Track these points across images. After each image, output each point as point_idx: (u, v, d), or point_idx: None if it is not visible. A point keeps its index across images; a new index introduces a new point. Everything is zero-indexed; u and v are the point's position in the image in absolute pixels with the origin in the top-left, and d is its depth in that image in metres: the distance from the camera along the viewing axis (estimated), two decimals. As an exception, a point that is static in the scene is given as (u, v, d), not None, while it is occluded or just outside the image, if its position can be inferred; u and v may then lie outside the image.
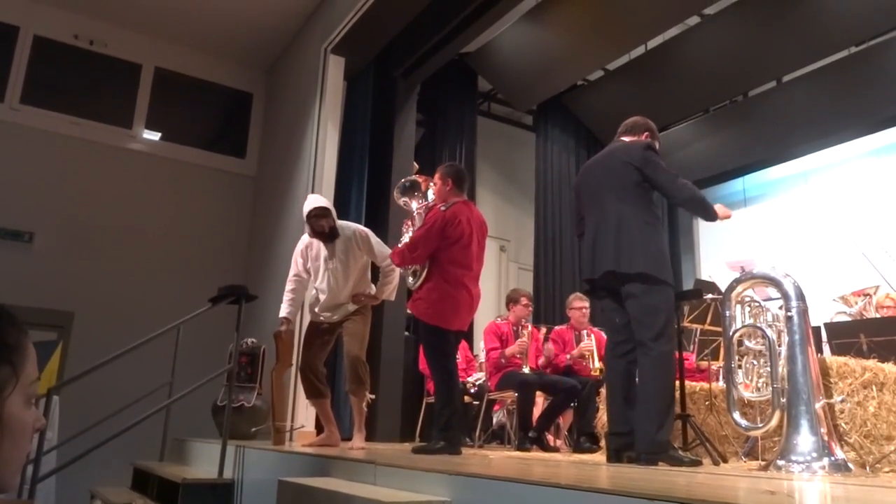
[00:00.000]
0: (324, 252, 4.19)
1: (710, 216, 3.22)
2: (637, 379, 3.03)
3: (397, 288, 4.28)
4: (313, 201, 4.13)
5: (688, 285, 7.23)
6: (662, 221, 3.43)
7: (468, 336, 7.43)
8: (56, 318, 6.61)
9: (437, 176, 3.82)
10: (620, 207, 3.13)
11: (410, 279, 3.67)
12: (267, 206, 7.51)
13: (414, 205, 3.89)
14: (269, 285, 6.53)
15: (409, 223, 3.90)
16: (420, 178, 3.94)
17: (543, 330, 5.98)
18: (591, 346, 5.47)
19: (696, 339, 5.07)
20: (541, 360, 5.53)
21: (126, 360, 3.82)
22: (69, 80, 7.50)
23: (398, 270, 4.13)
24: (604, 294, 3.24)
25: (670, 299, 3.07)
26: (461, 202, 3.69)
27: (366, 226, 4.40)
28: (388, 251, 4.01)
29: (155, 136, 7.80)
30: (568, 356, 5.48)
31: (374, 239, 4.18)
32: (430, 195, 3.91)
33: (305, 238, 4.28)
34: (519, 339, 5.36)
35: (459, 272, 3.58)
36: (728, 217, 3.32)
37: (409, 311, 3.66)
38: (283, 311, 4.22)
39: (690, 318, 4.72)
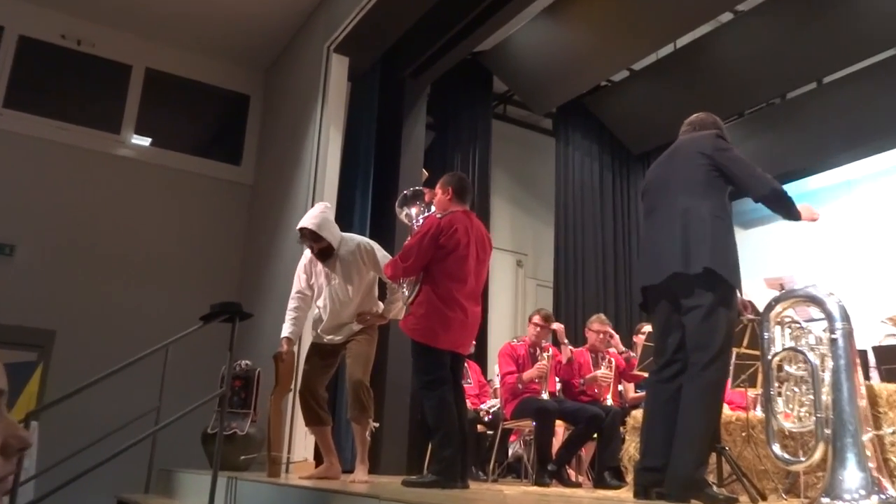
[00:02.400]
0: (324, 269, 4.21)
1: (794, 215, 3.12)
2: (681, 405, 2.93)
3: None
4: (306, 217, 4.17)
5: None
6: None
7: (481, 359, 7.43)
8: (36, 336, 6.64)
9: (437, 185, 3.83)
10: (688, 201, 3.05)
11: (405, 292, 3.66)
12: (264, 216, 7.54)
13: (413, 211, 3.88)
14: (266, 302, 6.54)
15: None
16: (424, 190, 3.95)
17: (567, 349, 5.97)
18: (609, 377, 5.43)
19: (732, 364, 5.02)
20: (562, 357, 5.48)
21: (110, 382, 3.82)
22: (55, 82, 7.59)
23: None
24: (661, 307, 3.11)
25: (733, 317, 2.99)
26: (461, 211, 3.70)
27: (371, 238, 4.41)
28: None
29: (145, 141, 7.86)
30: (581, 380, 5.45)
31: (381, 252, 4.19)
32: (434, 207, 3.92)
33: (307, 254, 4.30)
34: (537, 363, 5.32)
35: (453, 286, 3.55)
36: (815, 219, 3.22)
37: (402, 329, 3.64)
38: (285, 330, 4.23)
39: (725, 340, 4.67)
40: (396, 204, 3.95)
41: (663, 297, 3.08)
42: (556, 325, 5.58)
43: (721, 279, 2.93)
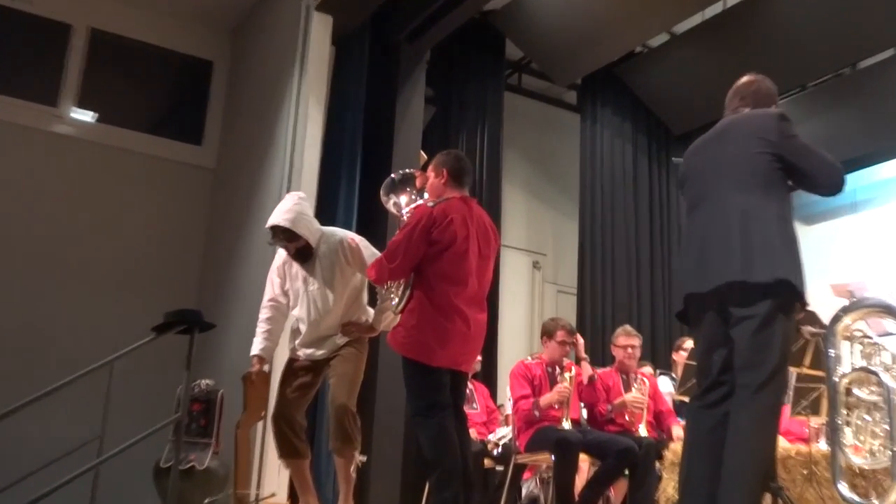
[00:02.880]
0: (300, 271, 4.22)
1: None
2: (728, 435, 2.92)
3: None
4: (276, 212, 4.17)
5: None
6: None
7: (490, 380, 7.42)
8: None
9: (430, 167, 3.81)
10: (747, 199, 3.03)
11: (394, 299, 3.64)
12: (230, 207, 7.54)
13: (402, 199, 3.85)
14: (232, 311, 6.54)
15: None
16: (416, 173, 3.94)
17: (586, 368, 5.98)
18: (641, 402, 5.41)
19: (791, 387, 5.00)
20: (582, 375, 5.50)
21: (42, 408, 3.81)
22: (-20, 45, 7.58)
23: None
24: (707, 319, 3.10)
25: (791, 332, 2.98)
26: (457, 198, 3.68)
27: (358, 232, 4.40)
28: None
29: (88, 116, 7.85)
30: (609, 406, 5.45)
31: (369, 251, 4.20)
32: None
33: (282, 254, 4.31)
34: (558, 385, 5.32)
35: (450, 290, 3.52)
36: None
37: (389, 343, 3.64)
38: (256, 346, 4.23)
39: (783, 358, 4.66)
40: (381, 191, 3.90)
41: (710, 307, 3.06)
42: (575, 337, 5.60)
43: (785, 287, 2.92)
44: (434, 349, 3.46)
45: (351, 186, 6.50)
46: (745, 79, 3.39)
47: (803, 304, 2.99)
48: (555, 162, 9.64)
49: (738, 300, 2.96)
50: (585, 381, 5.52)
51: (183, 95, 8.64)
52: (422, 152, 6.78)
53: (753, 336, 2.91)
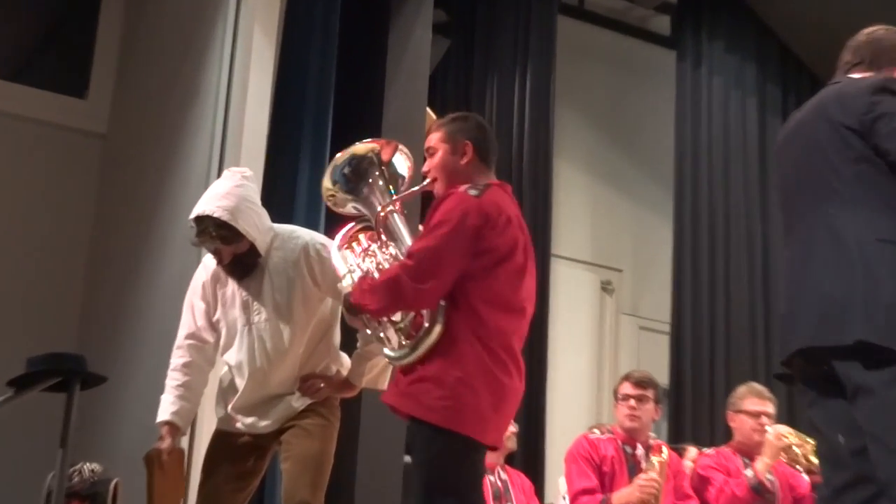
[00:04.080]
0: (241, 292, 4.22)
1: None
2: None
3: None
4: (208, 197, 4.17)
5: None
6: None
7: (533, 465, 7.43)
8: None
9: (436, 137, 3.83)
10: (833, 217, 3.14)
11: (393, 343, 3.58)
12: (130, 191, 7.54)
13: (372, 200, 3.88)
14: (130, 354, 6.54)
15: (362, 250, 3.85)
16: (379, 144, 3.96)
17: (690, 453, 5.94)
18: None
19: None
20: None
21: None
22: None
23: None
24: (815, 386, 3.20)
25: None
26: (496, 185, 3.75)
27: (329, 232, 4.38)
28: None
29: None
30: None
31: (346, 262, 4.18)
32: (403, 174, 3.99)
33: (210, 263, 4.31)
34: (640, 476, 5.32)
35: (507, 325, 3.59)
36: None
37: (392, 406, 3.58)
38: (166, 409, 4.23)
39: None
40: (327, 178, 3.97)
41: (813, 371, 3.19)
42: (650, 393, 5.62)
43: None
44: (489, 418, 3.50)
45: (317, 161, 6.48)
46: (869, 29, 3.47)
47: None
48: (636, 126, 9.70)
49: (843, 364, 3.06)
50: (687, 469, 5.53)
51: (59, 27, 8.65)
52: (429, 110, 6.82)
53: (876, 411, 3.00)
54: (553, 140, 8.49)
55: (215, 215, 4.06)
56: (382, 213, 3.84)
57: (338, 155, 4.01)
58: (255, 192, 4.37)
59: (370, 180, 3.91)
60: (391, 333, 3.62)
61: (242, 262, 4.17)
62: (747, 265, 8.99)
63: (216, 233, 4.09)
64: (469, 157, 3.75)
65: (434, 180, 3.78)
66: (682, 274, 8.95)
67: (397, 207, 3.86)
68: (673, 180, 9.23)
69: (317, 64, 6.74)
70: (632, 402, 5.55)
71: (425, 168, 3.82)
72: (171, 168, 6.94)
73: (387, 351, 3.60)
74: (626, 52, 9.84)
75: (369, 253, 3.81)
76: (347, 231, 3.92)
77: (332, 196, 4.03)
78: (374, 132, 6.45)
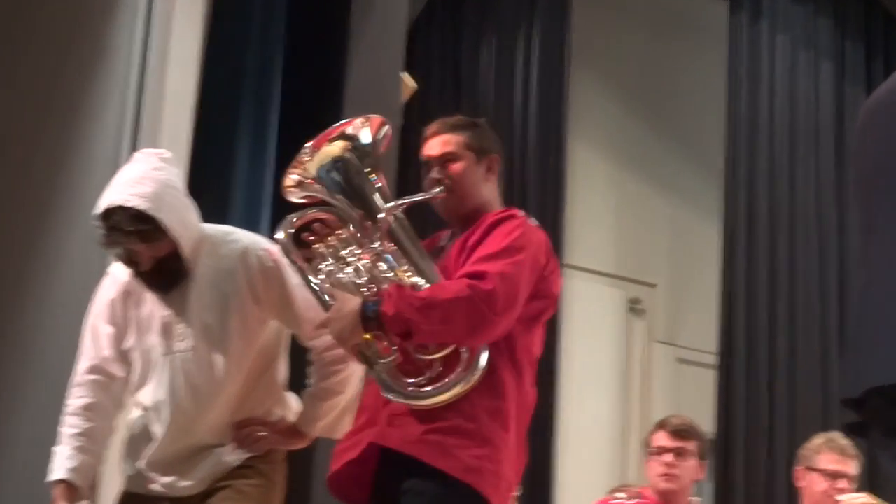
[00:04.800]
0: (160, 312, 4.22)
1: None
2: None
3: (356, 399, 4.25)
4: (120, 183, 4.14)
5: None
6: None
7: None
8: None
9: (458, 142, 3.94)
10: None
11: (412, 378, 3.65)
12: (10, 180, 7.53)
13: (371, 198, 3.91)
14: (10, 394, 6.54)
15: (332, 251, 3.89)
16: (373, 126, 4.00)
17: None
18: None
19: None
20: None
21: None
22: None
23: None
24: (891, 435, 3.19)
25: None
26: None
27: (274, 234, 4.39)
28: None
29: None
30: None
31: (294, 275, 4.15)
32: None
33: (120, 274, 4.29)
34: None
35: (530, 379, 3.86)
36: None
37: (404, 453, 3.61)
38: (61, 466, 4.18)
39: None
40: (309, 168, 3.96)
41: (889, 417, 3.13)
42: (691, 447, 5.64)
43: None
44: (511, 482, 3.77)
45: (261, 142, 6.52)
46: None
47: None
48: (675, 99, 9.76)
49: None
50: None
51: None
52: (406, 77, 6.84)
53: None
54: (568, 117, 8.54)
55: (130, 205, 4.00)
56: (387, 216, 3.87)
57: (332, 145, 4.01)
58: (178, 178, 4.35)
59: (366, 170, 3.95)
60: (424, 365, 3.70)
61: (165, 269, 4.09)
62: (818, 280, 9.01)
63: (132, 228, 4.03)
64: (496, 175, 3.96)
65: (451, 192, 3.90)
66: (734, 291, 8.98)
67: (400, 213, 3.94)
68: (724, 170, 9.25)
69: (260, 14, 6.78)
70: (668, 456, 5.54)
71: (437, 175, 3.92)
72: (69, 150, 6.94)
73: (391, 384, 3.63)
74: (663, 2, 9.90)
75: (347, 261, 3.86)
76: (307, 217, 3.97)
77: (300, 188, 4.04)
78: (334, 103, 6.49)
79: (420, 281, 3.74)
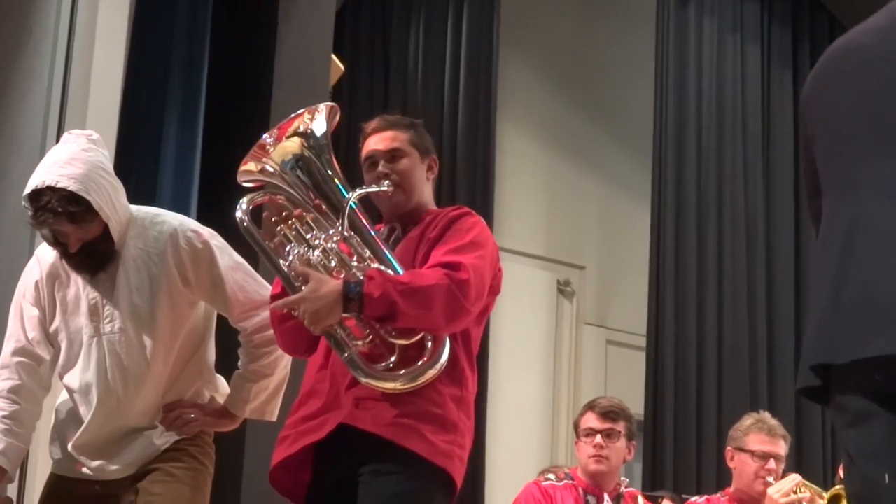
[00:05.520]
0: (88, 293, 4.18)
1: None
2: None
3: (285, 381, 4.29)
4: (48, 163, 4.08)
5: None
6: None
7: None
8: None
9: (404, 139, 3.97)
10: None
11: (386, 362, 3.65)
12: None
13: (328, 186, 3.87)
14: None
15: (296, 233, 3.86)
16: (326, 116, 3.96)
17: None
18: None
19: None
20: None
21: None
22: None
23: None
24: (872, 410, 3.17)
25: None
26: None
27: (204, 217, 4.31)
28: (267, 294, 4.03)
29: None
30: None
31: (224, 256, 4.18)
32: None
33: (46, 255, 4.25)
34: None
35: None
36: None
37: (374, 434, 3.62)
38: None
39: None
40: (271, 160, 3.90)
41: (870, 385, 3.15)
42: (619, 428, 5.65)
43: None
44: (464, 463, 3.86)
45: (189, 123, 6.48)
46: None
47: None
48: (604, 81, 9.80)
49: None
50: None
51: None
52: (335, 58, 6.80)
53: None
54: (496, 98, 8.54)
55: (60, 185, 3.96)
56: (349, 203, 3.86)
57: (290, 142, 3.97)
58: (107, 159, 4.30)
59: (325, 163, 3.92)
60: (386, 349, 3.72)
61: (93, 251, 4.05)
62: (746, 262, 9.08)
63: (62, 209, 3.99)
64: (434, 175, 4.05)
65: (398, 187, 3.93)
66: (663, 273, 9.03)
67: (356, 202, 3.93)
68: (651, 152, 9.29)
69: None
70: (598, 438, 5.55)
71: (385, 170, 3.94)
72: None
73: (364, 367, 3.63)
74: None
75: (312, 244, 3.85)
76: (264, 199, 3.95)
77: (261, 174, 4.00)
78: (263, 83, 6.46)
79: (383, 268, 3.74)
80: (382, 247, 3.82)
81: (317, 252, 3.81)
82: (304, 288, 3.66)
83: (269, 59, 6.64)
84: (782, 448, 5.76)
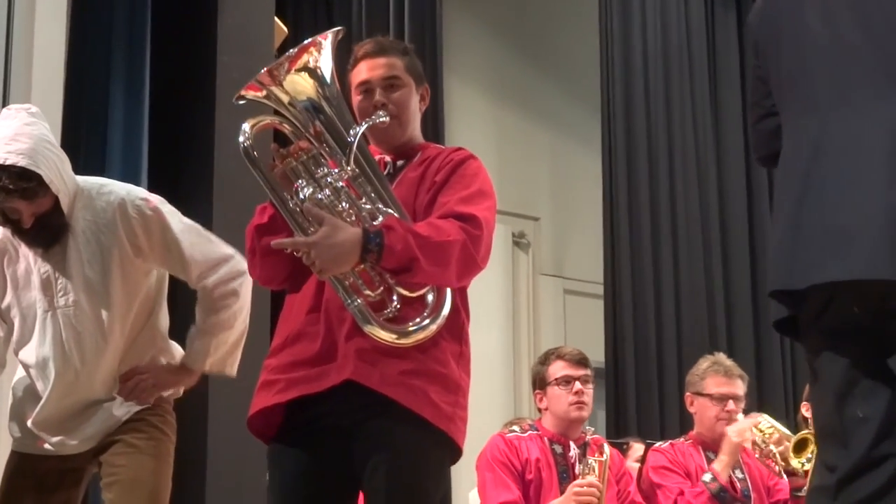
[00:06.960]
0: (39, 267, 4.14)
1: None
2: None
3: (244, 335, 4.29)
4: None
5: None
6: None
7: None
8: None
9: (401, 66, 3.89)
10: None
11: (426, 324, 3.60)
12: None
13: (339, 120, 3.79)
14: None
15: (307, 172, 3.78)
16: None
17: (636, 450, 6.01)
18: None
19: None
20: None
21: None
22: None
23: (247, 295, 4.16)
24: (843, 337, 3.13)
25: None
26: None
27: (153, 185, 4.28)
28: (223, 250, 4.09)
29: None
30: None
31: (175, 220, 4.17)
32: None
33: (-7, 229, 4.26)
34: (575, 483, 5.35)
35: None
36: None
37: (380, 393, 3.57)
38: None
39: None
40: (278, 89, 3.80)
41: (854, 315, 3.10)
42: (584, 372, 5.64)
43: None
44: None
45: (135, 90, 6.45)
46: None
47: None
48: (550, 31, 9.77)
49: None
50: (635, 474, 5.66)
51: None
52: (278, 22, 6.76)
53: None
54: (442, 50, 8.51)
55: (9, 163, 3.92)
56: (356, 139, 3.79)
57: (302, 79, 3.86)
58: (49, 131, 4.26)
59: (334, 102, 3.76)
60: (389, 299, 3.64)
61: (47, 224, 4.04)
62: (699, 204, 9.11)
63: (15, 186, 3.95)
64: (426, 105, 3.99)
65: (394, 118, 3.83)
66: (617, 221, 9.04)
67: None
68: (600, 100, 9.26)
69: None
70: (577, 384, 5.55)
71: (382, 98, 3.84)
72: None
73: (372, 317, 3.55)
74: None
75: (321, 183, 3.68)
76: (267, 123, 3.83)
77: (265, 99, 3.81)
78: (207, 49, 6.43)
79: (391, 211, 3.63)
80: (384, 188, 3.70)
81: (326, 191, 3.63)
82: (314, 231, 3.49)
83: (212, 25, 6.60)
84: (740, 388, 5.79)
